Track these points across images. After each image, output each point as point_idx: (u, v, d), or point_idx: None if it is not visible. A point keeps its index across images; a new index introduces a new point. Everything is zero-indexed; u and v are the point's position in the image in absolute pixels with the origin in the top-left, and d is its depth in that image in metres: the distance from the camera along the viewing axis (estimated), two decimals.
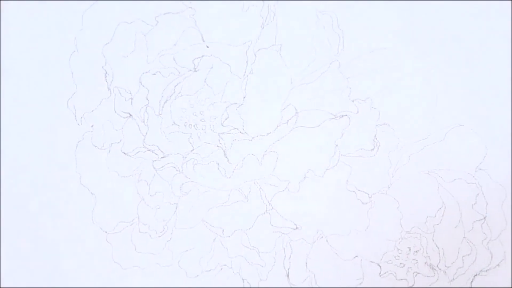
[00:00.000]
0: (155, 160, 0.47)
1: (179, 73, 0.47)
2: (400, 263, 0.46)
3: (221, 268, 0.47)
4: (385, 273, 0.46)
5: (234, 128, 0.47)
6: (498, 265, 0.46)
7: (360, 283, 0.46)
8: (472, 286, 0.46)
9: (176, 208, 0.47)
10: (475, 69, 0.47)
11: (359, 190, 0.46)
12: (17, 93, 0.48)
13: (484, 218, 0.46)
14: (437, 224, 0.46)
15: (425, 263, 0.46)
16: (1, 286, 0.47)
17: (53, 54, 0.48)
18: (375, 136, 0.47)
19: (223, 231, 0.47)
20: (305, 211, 0.47)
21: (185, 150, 0.47)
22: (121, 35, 0.47)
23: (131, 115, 0.47)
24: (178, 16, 0.47)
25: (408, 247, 0.46)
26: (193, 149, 0.47)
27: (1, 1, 0.48)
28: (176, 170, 0.47)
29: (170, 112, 0.47)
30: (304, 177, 0.46)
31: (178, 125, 0.47)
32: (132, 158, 0.47)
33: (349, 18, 0.47)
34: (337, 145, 0.46)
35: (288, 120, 0.47)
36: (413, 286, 0.46)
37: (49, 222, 0.47)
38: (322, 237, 0.46)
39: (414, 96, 0.47)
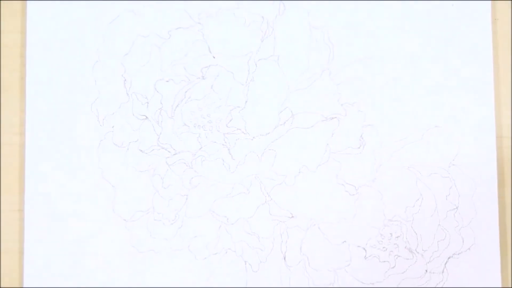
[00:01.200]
0: (168, 157, 0.48)
1: (189, 80, 0.49)
2: (383, 247, 0.48)
3: (226, 252, 0.48)
4: (370, 256, 0.48)
5: (237, 129, 0.49)
6: (469, 249, 0.48)
7: (348, 265, 0.48)
8: (446, 267, 0.48)
9: (186, 199, 0.48)
10: (450, 77, 0.49)
11: (347, 183, 0.48)
12: (47, 98, 0.49)
13: (457, 207, 0.48)
14: (416, 213, 0.48)
15: (405, 247, 0.48)
16: (29, 265, 0.48)
17: (78, 64, 0.49)
18: (361, 136, 0.48)
19: (227, 219, 0.48)
20: (300, 201, 0.48)
21: (194, 148, 0.48)
22: (138, 47, 0.49)
23: (147, 117, 0.49)
24: (188, 30, 0.49)
25: (390, 233, 0.48)
26: (201, 147, 0.48)
27: (33, 17, 0.49)
28: (186, 166, 0.48)
29: (181, 114, 0.48)
30: (299, 172, 0.48)
31: (188, 126, 0.48)
32: (147, 155, 0.48)
33: (338, 32, 0.49)
34: (328, 144, 0.48)
35: (285, 122, 0.49)
36: (394, 267, 0.48)
37: (74, 211, 0.48)
38: (314, 224, 0.48)
39: (396, 101, 0.49)
